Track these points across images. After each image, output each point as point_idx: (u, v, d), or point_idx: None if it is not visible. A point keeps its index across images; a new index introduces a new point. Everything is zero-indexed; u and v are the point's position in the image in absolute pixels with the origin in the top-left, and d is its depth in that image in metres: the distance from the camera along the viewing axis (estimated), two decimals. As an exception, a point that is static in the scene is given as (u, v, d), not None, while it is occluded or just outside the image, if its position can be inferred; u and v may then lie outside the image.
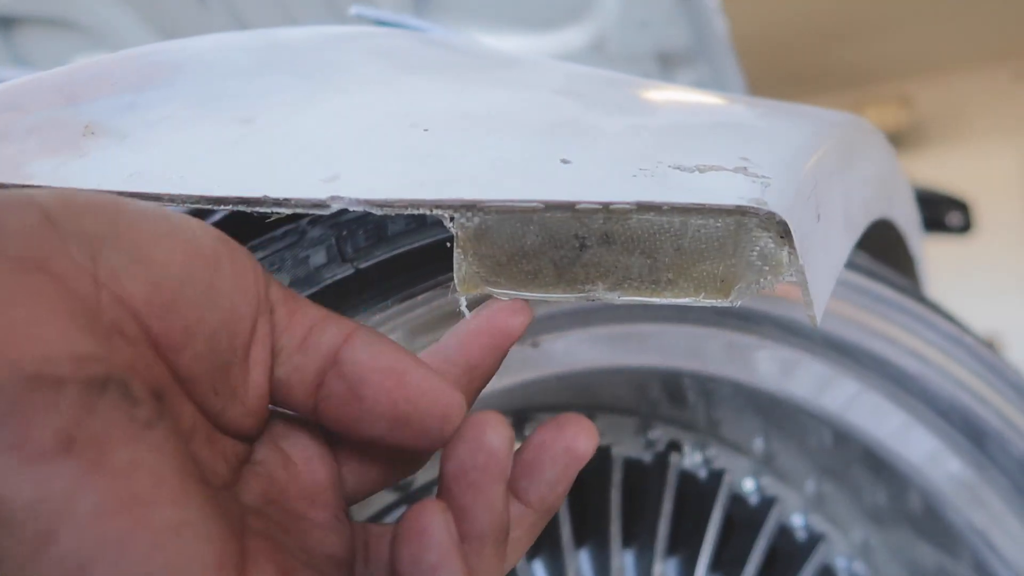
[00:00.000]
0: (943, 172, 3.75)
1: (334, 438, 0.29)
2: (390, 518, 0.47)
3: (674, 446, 0.61)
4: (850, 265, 0.54)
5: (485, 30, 1.36)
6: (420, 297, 0.38)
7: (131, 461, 0.20)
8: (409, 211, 0.29)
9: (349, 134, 0.32)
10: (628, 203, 0.29)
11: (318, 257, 0.37)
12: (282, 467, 0.27)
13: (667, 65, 1.34)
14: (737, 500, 0.62)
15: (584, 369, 0.47)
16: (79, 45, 1.37)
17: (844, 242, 0.41)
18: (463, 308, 0.31)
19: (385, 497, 0.47)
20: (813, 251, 0.33)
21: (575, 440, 0.28)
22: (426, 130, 0.32)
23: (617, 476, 0.56)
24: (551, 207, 0.29)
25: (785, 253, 0.30)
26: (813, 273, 0.32)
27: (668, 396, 0.60)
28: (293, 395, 0.26)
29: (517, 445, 0.29)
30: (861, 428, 0.56)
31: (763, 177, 0.31)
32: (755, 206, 0.29)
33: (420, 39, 0.44)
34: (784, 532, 0.63)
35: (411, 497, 0.48)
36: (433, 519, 0.24)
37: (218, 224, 0.38)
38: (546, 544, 0.54)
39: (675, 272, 0.31)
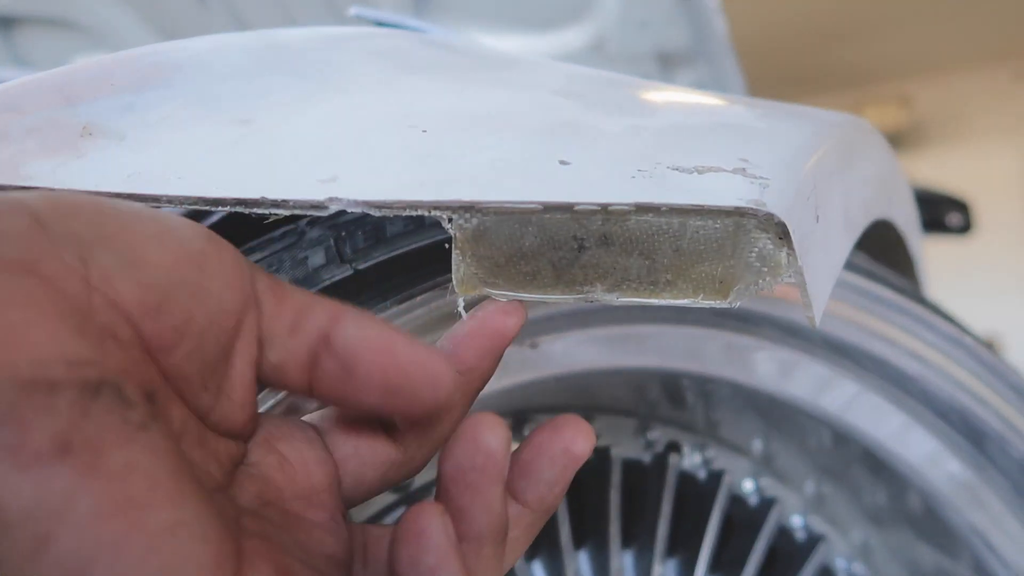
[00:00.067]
0: (943, 172, 3.75)
1: (331, 440, 0.29)
2: (389, 519, 0.47)
3: (673, 447, 0.61)
4: (849, 266, 0.54)
5: (485, 30, 1.36)
6: (419, 298, 0.38)
7: (126, 464, 0.20)
8: (407, 212, 0.29)
9: (348, 135, 0.32)
10: (627, 204, 0.29)
11: (317, 258, 0.37)
12: (278, 468, 0.27)
13: (667, 65, 1.34)
14: (736, 501, 0.62)
15: (583, 370, 0.47)
16: (79, 45, 1.37)
17: (843, 243, 0.41)
18: (461, 309, 0.31)
19: (385, 497, 0.47)
20: (812, 252, 0.33)
21: (573, 441, 0.29)
22: (425, 131, 0.32)
23: (616, 477, 0.56)
24: (550, 208, 0.29)
25: (784, 254, 0.30)
26: (812, 274, 0.32)
27: (667, 397, 0.60)
28: (288, 377, 0.27)
29: (515, 446, 0.30)
30: (861, 429, 0.56)
31: (762, 178, 0.31)
32: (754, 207, 0.29)
33: (419, 40, 0.44)
34: (783, 533, 0.63)
35: (411, 498, 0.48)
36: (431, 521, 0.24)
37: (216, 225, 0.38)
38: (545, 545, 0.54)
39: (674, 273, 0.31)
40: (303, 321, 0.27)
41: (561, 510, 0.53)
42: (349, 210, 0.28)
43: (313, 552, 0.26)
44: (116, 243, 0.22)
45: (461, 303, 0.31)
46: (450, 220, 0.30)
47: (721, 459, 0.62)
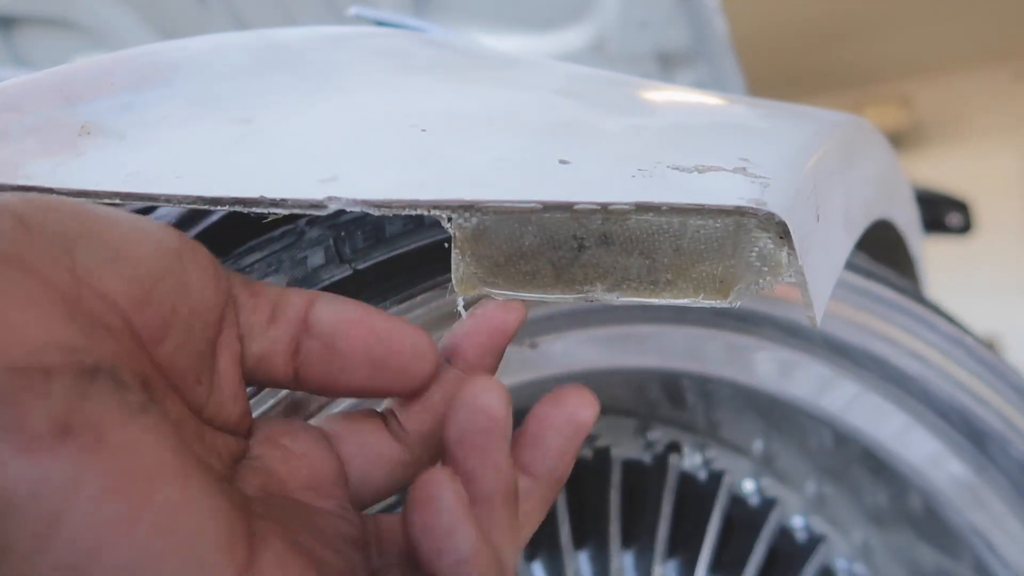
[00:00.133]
0: (943, 172, 3.75)
1: (335, 439, 0.29)
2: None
3: (673, 447, 0.61)
4: (850, 266, 0.54)
5: (484, 30, 1.36)
6: (418, 298, 0.38)
7: (129, 442, 0.20)
8: (407, 212, 0.29)
9: (347, 134, 0.32)
10: (627, 204, 0.29)
11: (316, 258, 0.37)
12: (282, 461, 0.27)
13: (667, 65, 1.34)
14: (737, 501, 0.62)
15: (583, 370, 0.47)
16: (79, 45, 1.37)
17: (844, 243, 0.41)
18: (460, 308, 0.31)
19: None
20: (813, 252, 0.32)
21: (577, 410, 0.28)
22: (424, 130, 0.32)
23: (616, 477, 0.56)
24: (549, 208, 0.29)
25: (784, 254, 0.30)
26: (813, 274, 0.32)
27: (667, 397, 0.59)
28: (274, 367, 0.28)
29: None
30: (861, 429, 0.56)
31: (762, 177, 0.31)
32: (754, 207, 0.29)
33: (419, 39, 0.44)
34: (784, 533, 0.63)
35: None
36: (442, 484, 0.23)
37: (215, 224, 0.38)
38: (545, 545, 0.54)
39: (674, 273, 0.31)
40: (280, 310, 0.27)
41: (561, 510, 0.53)
42: (348, 209, 0.28)
43: (327, 533, 0.26)
44: (97, 240, 0.23)
45: (460, 302, 0.31)
46: (450, 219, 0.30)
47: (722, 459, 0.62)
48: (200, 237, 0.38)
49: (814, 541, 0.63)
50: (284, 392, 0.36)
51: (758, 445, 0.63)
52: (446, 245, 0.31)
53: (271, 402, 0.35)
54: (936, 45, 4.20)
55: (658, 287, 0.31)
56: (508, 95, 0.38)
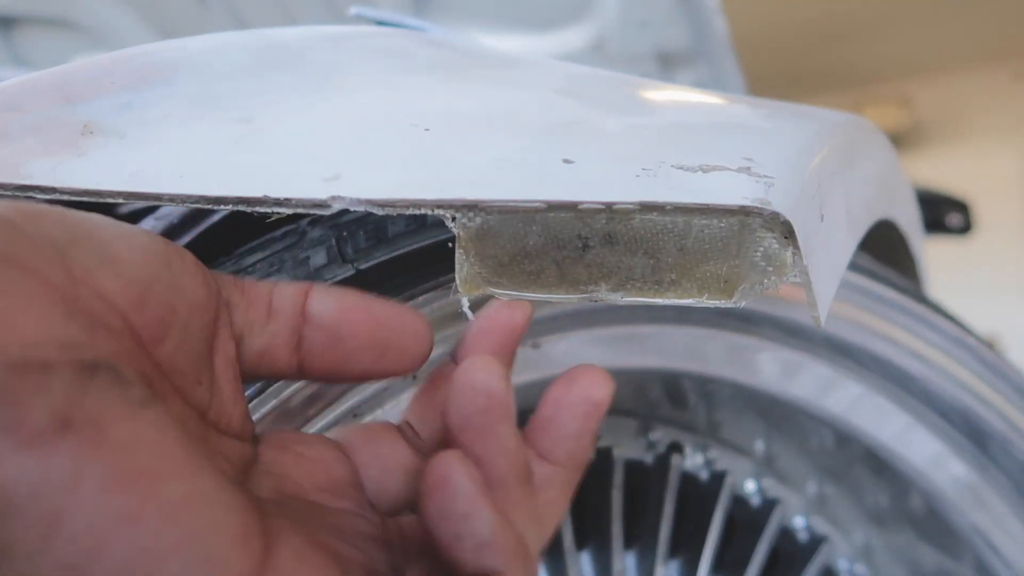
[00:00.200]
0: (943, 172, 3.75)
1: (350, 448, 0.29)
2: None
3: (675, 448, 0.61)
4: (851, 266, 0.54)
5: (484, 30, 1.36)
6: (421, 298, 0.38)
7: (132, 437, 0.19)
8: (411, 211, 0.29)
9: (350, 134, 0.32)
10: (631, 203, 0.29)
11: (318, 258, 0.37)
12: (294, 466, 0.27)
13: (667, 65, 1.33)
14: (739, 502, 0.62)
15: (585, 370, 0.47)
16: (78, 45, 1.36)
17: (847, 242, 0.41)
18: (465, 309, 0.31)
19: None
20: (817, 252, 0.32)
21: (590, 389, 0.28)
22: (427, 130, 0.32)
23: (618, 478, 0.56)
24: (554, 207, 0.29)
25: (789, 254, 0.30)
26: (817, 274, 0.32)
27: (668, 397, 0.59)
28: (277, 361, 0.28)
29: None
30: (863, 430, 0.56)
31: (767, 177, 0.31)
32: (759, 206, 0.29)
33: (420, 39, 0.44)
34: (786, 534, 0.63)
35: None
36: (454, 467, 0.23)
37: (216, 224, 0.38)
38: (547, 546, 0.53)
39: (678, 273, 0.31)
40: (276, 303, 0.28)
41: (563, 511, 0.53)
42: (352, 209, 0.28)
43: (346, 531, 0.25)
44: (89, 243, 0.23)
45: (465, 303, 0.31)
46: (453, 219, 0.30)
47: (723, 460, 0.62)
48: (201, 237, 0.38)
49: (816, 541, 0.63)
50: (273, 402, 0.35)
51: (759, 445, 0.63)
52: (450, 245, 0.31)
53: (274, 402, 0.35)
54: (936, 45, 4.20)
55: (662, 287, 0.31)
56: (510, 95, 0.38)
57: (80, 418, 0.19)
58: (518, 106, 0.36)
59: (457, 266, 0.31)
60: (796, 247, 0.30)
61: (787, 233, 0.30)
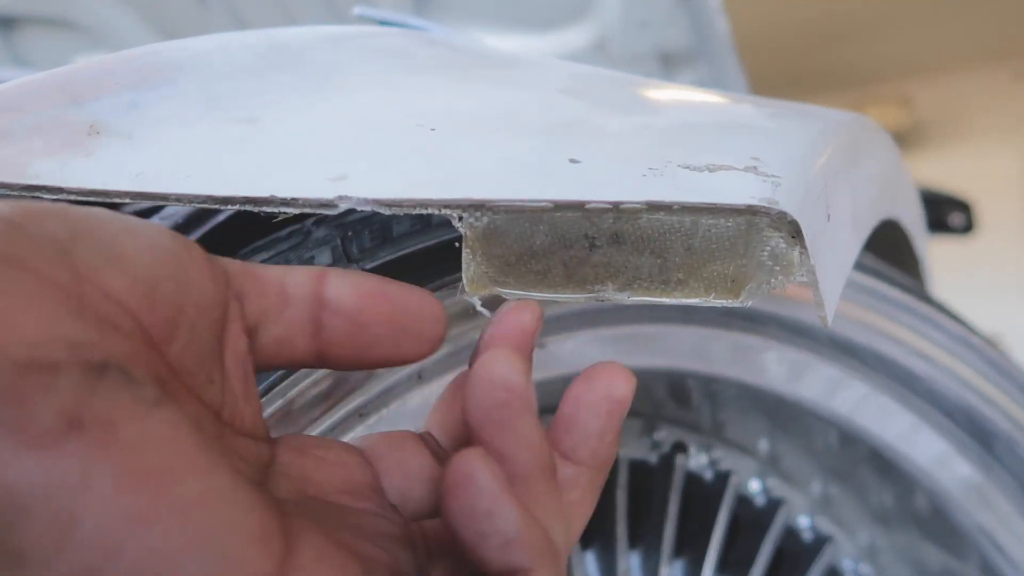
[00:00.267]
0: (943, 172, 3.75)
1: (372, 455, 0.28)
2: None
3: (679, 447, 0.61)
4: (856, 265, 0.53)
5: (485, 30, 1.36)
6: (426, 298, 0.38)
7: (143, 436, 0.19)
8: (418, 211, 0.29)
9: (355, 134, 0.32)
10: (638, 203, 0.29)
11: (323, 258, 0.37)
12: (314, 468, 0.26)
13: (668, 65, 1.33)
14: (743, 501, 0.62)
15: (590, 370, 0.47)
16: (79, 45, 1.36)
17: (853, 242, 0.41)
18: (479, 308, 0.31)
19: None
20: (824, 251, 0.32)
21: (611, 386, 0.27)
22: (433, 129, 0.32)
23: (623, 477, 0.56)
24: (561, 207, 0.29)
25: (796, 253, 0.30)
26: (823, 273, 0.32)
27: (673, 397, 0.59)
28: (296, 349, 0.27)
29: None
30: (869, 430, 0.55)
31: (773, 176, 0.31)
32: (766, 206, 0.29)
33: (423, 39, 0.44)
34: (790, 534, 0.63)
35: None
36: (476, 464, 0.22)
37: (220, 224, 0.38)
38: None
39: (685, 272, 0.31)
40: (290, 291, 0.27)
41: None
42: (359, 208, 0.28)
43: (368, 531, 0.25)
44: (93, 240, 0.22)
45: (478, 302, 0.31)
46: (460, 219, 0.29)
47: (727, 459, 0.62)
48: (206, 237, 0.38)
49: (820, 541, 0.63)
50: (279, 402, 0.35)
51: (763, 445, 0.63)
52: (456, 244, 0.31)
53: (280, 402, 0.35)
54: (936, 45, 4.20)
55: (669, 286, 0.31)
56: (514, 94, 0.38)
57: (89, 418, 0.18)
58: (523, 106, 0.36)
59: (464, 266, 0.31)
60: (803, 246, 0.30)
61: (794, 232, 0.30)
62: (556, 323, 0.44)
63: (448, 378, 0.41)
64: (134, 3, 1.30)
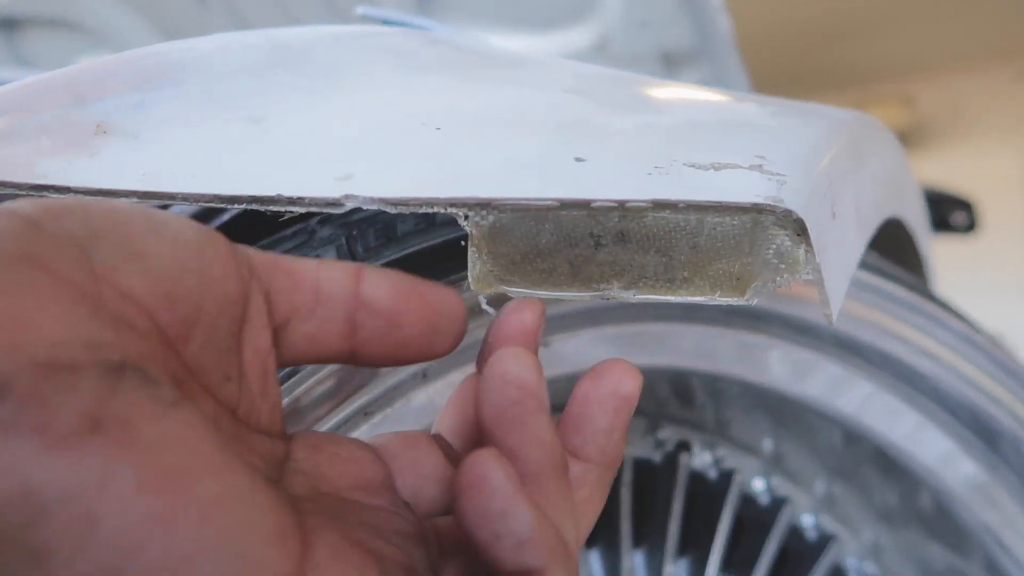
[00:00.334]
0: (945, 172, 3.75)
1: (385, 453, 0.28)
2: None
3: (683, 446, 0.61)
4: (860, 264, 0.53)
5: (488, 30, 1.36)
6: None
7: (162, 437, 0.19)
8: (424, 210, 0.29)
9: (361, 133, 0.32)
10: (644, 201, 0.29)
11: (328, 257, 0.37)
12: (328, 465, 0.26)
13: (671, 65, 1.33)
14: (747, 500, 0.62)
15: (594, 369, 0.47)
16: (81, 46, 1.37)
17: (858, 240, 0.41)
18: (485, 306, 0.31)
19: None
20: (829, 249, 0.32)
21: (619, 383, 0.27)
22: (438, 129, 0.32)
23: (627, 476, 0.56)
24: (566, 205, 0.29)
25: (802, 251, 0.30)
26: (829, 271, 0.32)
27: (677, 396, 0.59)
28: (328, 347, 0.27)
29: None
30: (872, 429, 0.55)
31: (779, 175, 0.31)
32: (772, 204, 0.29)
33: (427, 38, 0.44)
34: (795, 533, 0.63)
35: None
36: (489, 465, 0.22)
37: (226, 223, 0.38)
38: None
39: (691, 270, 0.31)
40: (325, 288, 0.26)
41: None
42: (365, 207, 0.28)
43: (382, 528, 0.25)
44: (113, 238, 0.22)
45: (483, 300, 0.31)
46: (466, 217, 0.30)
47: (731, 458, 0.62)
48: (211, 236, 0.38)
49: (824, 540, 0.63)
50: (285, 401, 0.35)
51: (768, 444, 0.63)
52: (462, 243, 0.31)
53: (285, 400, 0.35)
54: (938, 44, 4.20)
55: (675, 285, 0.31)
56: (519, 94, 0.38)
57: (109, 419, 0.18)
58: (528, 105, 0.36)
59: (470, 264, 0.31)
60: (809, 244, 0.30)
61: (800, 231, 0.30)
62: (560, 322, 0.44)
63: (452, 376, 0.41)
64: (135, 4, 1.30)
